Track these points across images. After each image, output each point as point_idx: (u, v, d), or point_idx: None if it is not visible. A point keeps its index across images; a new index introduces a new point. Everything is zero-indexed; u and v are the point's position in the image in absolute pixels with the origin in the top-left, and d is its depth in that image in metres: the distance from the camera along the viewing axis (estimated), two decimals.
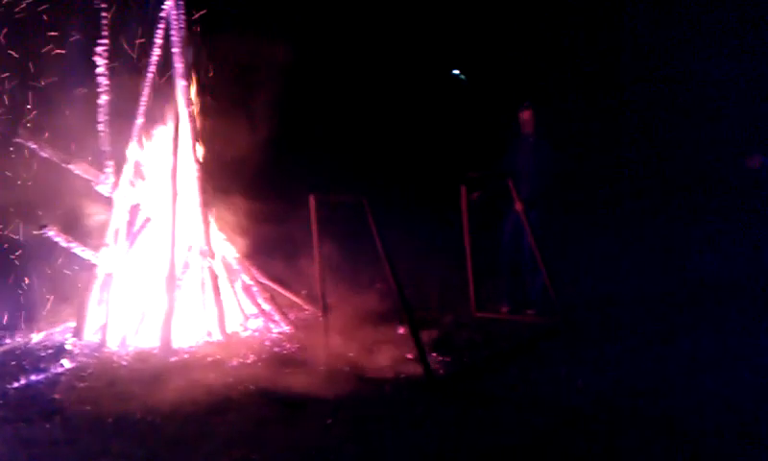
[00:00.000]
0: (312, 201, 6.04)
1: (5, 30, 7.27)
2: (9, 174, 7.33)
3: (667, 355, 6.14)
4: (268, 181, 9.38)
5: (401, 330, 6.83)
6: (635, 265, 9.67)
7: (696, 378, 5.53)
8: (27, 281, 7.63)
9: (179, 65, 7.14)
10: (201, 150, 7.35)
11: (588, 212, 9.17)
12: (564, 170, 7.48)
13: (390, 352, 6.31)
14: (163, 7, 7.12)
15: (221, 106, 7.67)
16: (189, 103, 7.22)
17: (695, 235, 10.42)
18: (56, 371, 6.16)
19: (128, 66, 7.34)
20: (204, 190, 7.27)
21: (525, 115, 7.55)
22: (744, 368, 5.70)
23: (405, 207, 10.99)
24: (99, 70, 7.12)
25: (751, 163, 6.67)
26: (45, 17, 7.30)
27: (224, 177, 7.72)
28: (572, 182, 8.09)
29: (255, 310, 7.50)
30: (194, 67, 7.32)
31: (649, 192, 10.42)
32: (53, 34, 7.32)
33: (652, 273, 9.29)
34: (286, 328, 7.21)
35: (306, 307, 7.80)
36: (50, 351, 6.70)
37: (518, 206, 7.26)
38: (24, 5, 7.20)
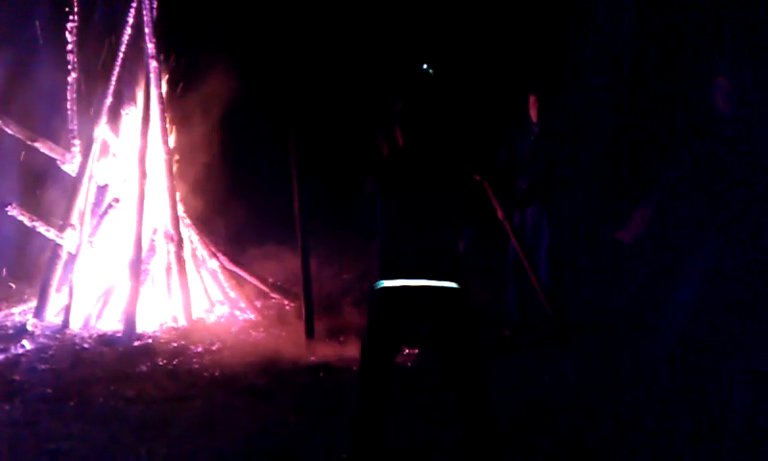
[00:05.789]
0: None
1: None
2: None
3: None
4: (237, 167, 9.31)
5: None
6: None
7: None
8: None
9: (150, 45, 7.04)
10: (170, 132, 7.27)
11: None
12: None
13: (357, 342, 6.29)
14: None
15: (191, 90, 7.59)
16: (159, 84, 7.14)
17: None
18: (16, 352, 6.05)
19: (97, 44, 7.22)
20: (171, 173, 7.19)
21: (530, 100, 6.46)
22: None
23: None
24: (68, 47, 7.00)
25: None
26: None
27: (193, 161, 7.66)
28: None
29: (222, 297, 7.46)
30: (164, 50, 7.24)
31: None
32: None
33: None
34: (252, 316, 7.17)
35: (273, 296, 7.76)
36: (10, 332, 6.60)
37: (500, 214, 6.26)
38: None
